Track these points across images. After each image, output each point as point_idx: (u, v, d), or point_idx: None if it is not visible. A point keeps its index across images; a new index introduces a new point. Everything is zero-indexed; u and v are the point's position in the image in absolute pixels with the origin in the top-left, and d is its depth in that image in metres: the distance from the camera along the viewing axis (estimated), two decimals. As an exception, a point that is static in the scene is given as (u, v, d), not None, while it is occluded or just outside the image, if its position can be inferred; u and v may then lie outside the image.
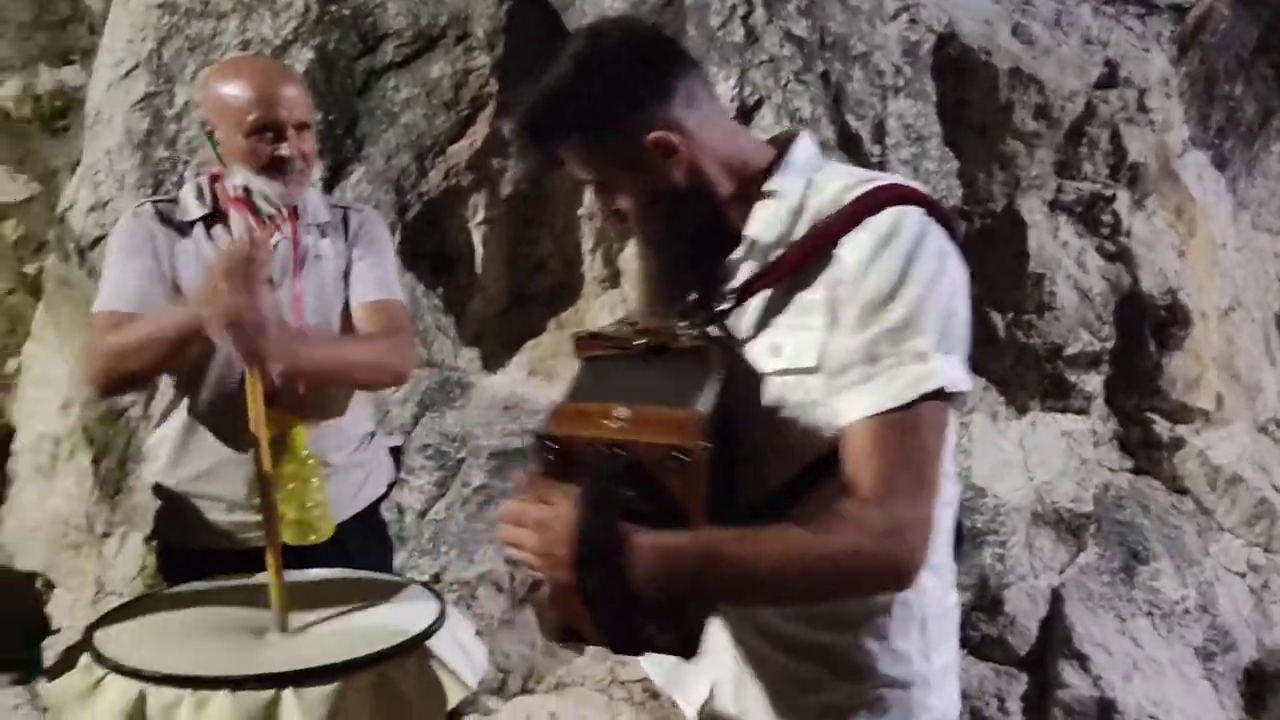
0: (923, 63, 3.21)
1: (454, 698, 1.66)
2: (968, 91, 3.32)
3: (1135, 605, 3.25)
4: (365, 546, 2.10)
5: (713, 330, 1.24)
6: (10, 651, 3.38)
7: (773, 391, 1.21)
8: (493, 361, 3.29)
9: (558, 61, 1.23)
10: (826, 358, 1.17)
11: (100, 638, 1.65)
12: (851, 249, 1.17)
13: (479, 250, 3.22)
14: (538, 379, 3.30)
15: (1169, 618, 3.25)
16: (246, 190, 1.84)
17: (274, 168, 1.91)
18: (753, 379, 1.22)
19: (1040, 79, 3.29)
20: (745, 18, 3.06)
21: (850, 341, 1.16)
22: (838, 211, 1.20)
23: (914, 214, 1.17)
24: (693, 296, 1.27)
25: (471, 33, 3.09)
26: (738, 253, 1.26)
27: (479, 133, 3.14)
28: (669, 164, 1.21)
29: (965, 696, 2.99)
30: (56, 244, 3.33)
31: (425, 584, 1.93)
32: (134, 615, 1.77)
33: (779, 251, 1.22)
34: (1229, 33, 3.64)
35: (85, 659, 1.62)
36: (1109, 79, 3.44)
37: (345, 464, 2.06)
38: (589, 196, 3.25)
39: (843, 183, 1.23)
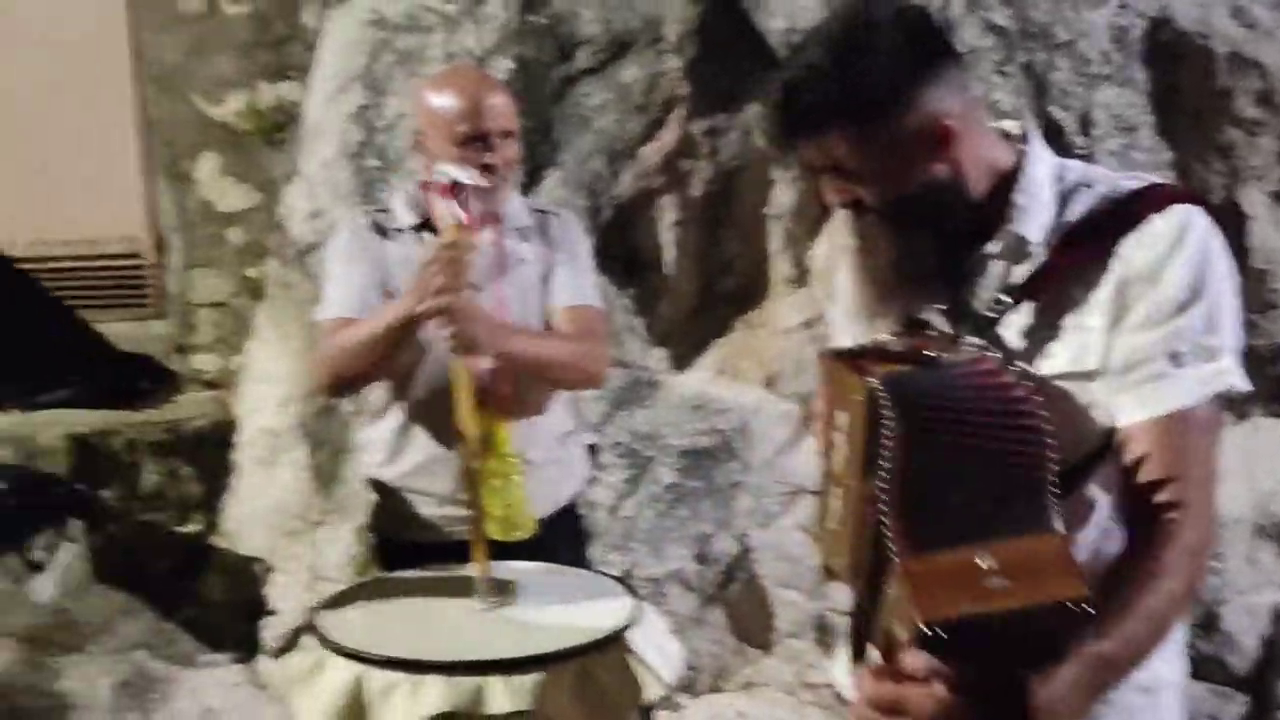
0: (1132, 49, 3.06)
1: (651, 693, 1.70)
2: (1181, 77, 3.15)
3: (1369, 626, 3.02)
4: (563, 542, 2.15)
5: (979, 340, 1.19)
6: (233, 630, 3.63)
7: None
8: (681, 361, 3.33)
9: (821, 41, 1.16)
10: (1109, 357, 1.15)
11: (322, 620, 1.76)
12: (1140, 248, 1.15)
13: (669, 251, 3.27)
14: (725, 378, 3.32)
15: None
16: (455, 183, 1.90)
17: (481, 175, 1.99)
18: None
19: (1262, 63, 3.09)
20: (943, 8, 2.99)
21: (1140, 339, 1.14)
22: (1112, 210, 1.17)
23: (1199, 214, 1.16)
24: (943, 301, 1.23)
25: (663, 36, 3.13)
26: (989, 248, 1.22)
27: (670, 135, 3.18)
28: (936, 155, 1.16)
29: (1177, 717, 2.85)
30: (277, 249, 3.56)
31: (623, 581, 1.98)
32: (353, 600, 1.87)
33: (1044, 253, 1.18)
34: None
35: (308, 640, 1.73)
36: (1338, 63, 3.19)
37: (544, 461, 2.11)
38: (777, 196, 3.25)
39: (1105, 182, 1.21)
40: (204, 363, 4.08)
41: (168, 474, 3.71)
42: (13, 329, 3.85)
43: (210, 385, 4.06)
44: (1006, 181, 1.21)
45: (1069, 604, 0.91)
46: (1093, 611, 0.92)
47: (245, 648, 3.55)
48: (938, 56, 1.17)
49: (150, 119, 3.98)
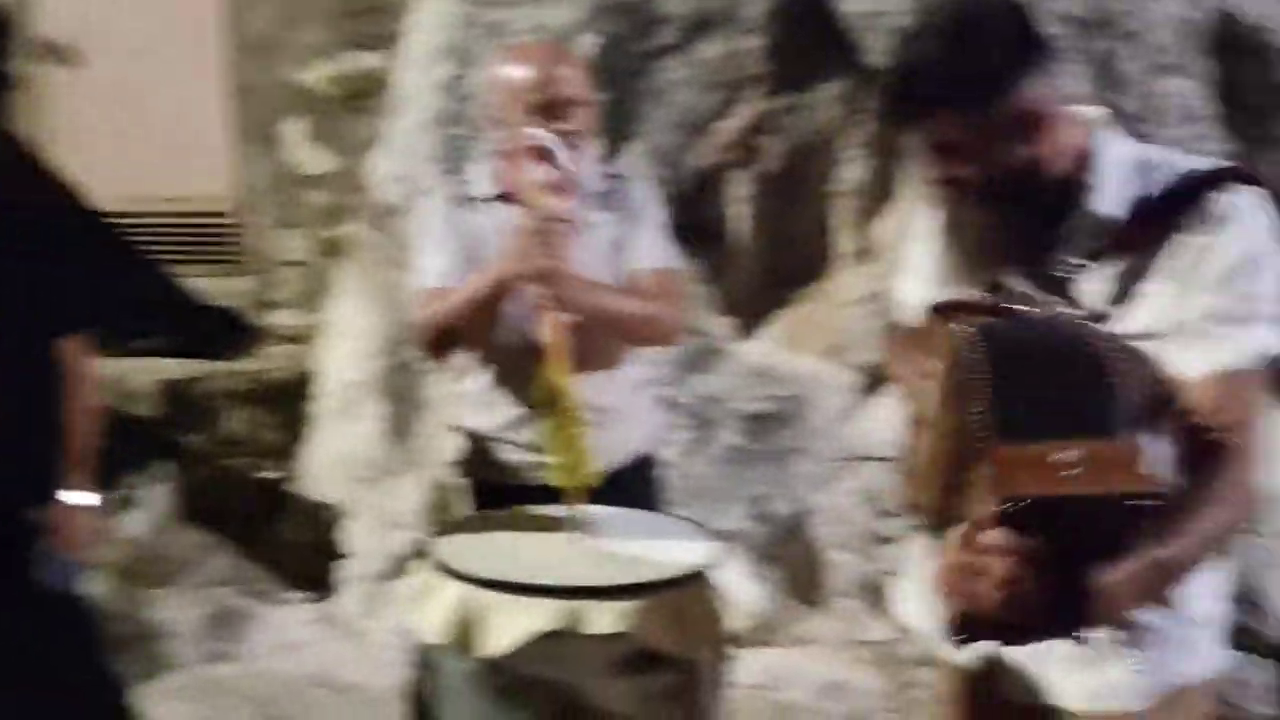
0: (1199, 41, 3.15)
1: (734, 624, 1.85)
2: (1243, 71, 3.23)
3: None
4: (640, 488, 2.29)
5: (1061, 301, 1.34)
6: (309, 571, 3.81)
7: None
8: (747, 330, 3.46)
9: (937, 31, 1.30)
10: (1176, 321, 1.28)
11: (435, 548, 1.91)
12: (1200, 224, 1.28)
13: (739, 224, 3.40)
14: (789, 348, 3.45)
15: None
16: (542, 146, 1.98)
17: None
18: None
19: (1327, 58, 3.17)
20: (1019, -3, 3.08)
21: (1201, 304, 1.27)
22: (1180, 188, 1.30)
23: (1257, 194, 1.29)
24: (1032, 267, 1.37)
25: (743, 16, 3.24)
26: (1070, 222, 1.35)
27: (746, 112, 3.30)
28: (1032, 139, 1.30)
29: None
30: (360, 212, 3.71)
31: (703, 526, 2.11)
32: (460, 531, 2.03)
33: (1120, 224, 1.32)
34: None
35: (422, 564, 1.89)
36: (1402, 57, 3.26)
37: (623, 410, 2.24)
38: (844, 174, 3.37)
39: (1176, 163, 1.34)
40: (284, 318, 4.24)
41: (250, 422, 3.89)
42: (105, 279, 4.03)
43: (290, 340, 4.22)
44: (1084, 161, 1.35)
45: (1136, 497, 1.06)
46: (1150, 504, 1.08)
47: (320, 587, 3.74)
48: (1038, 49, 1.31)
49: (240, 84, 4.14)
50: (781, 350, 3.44)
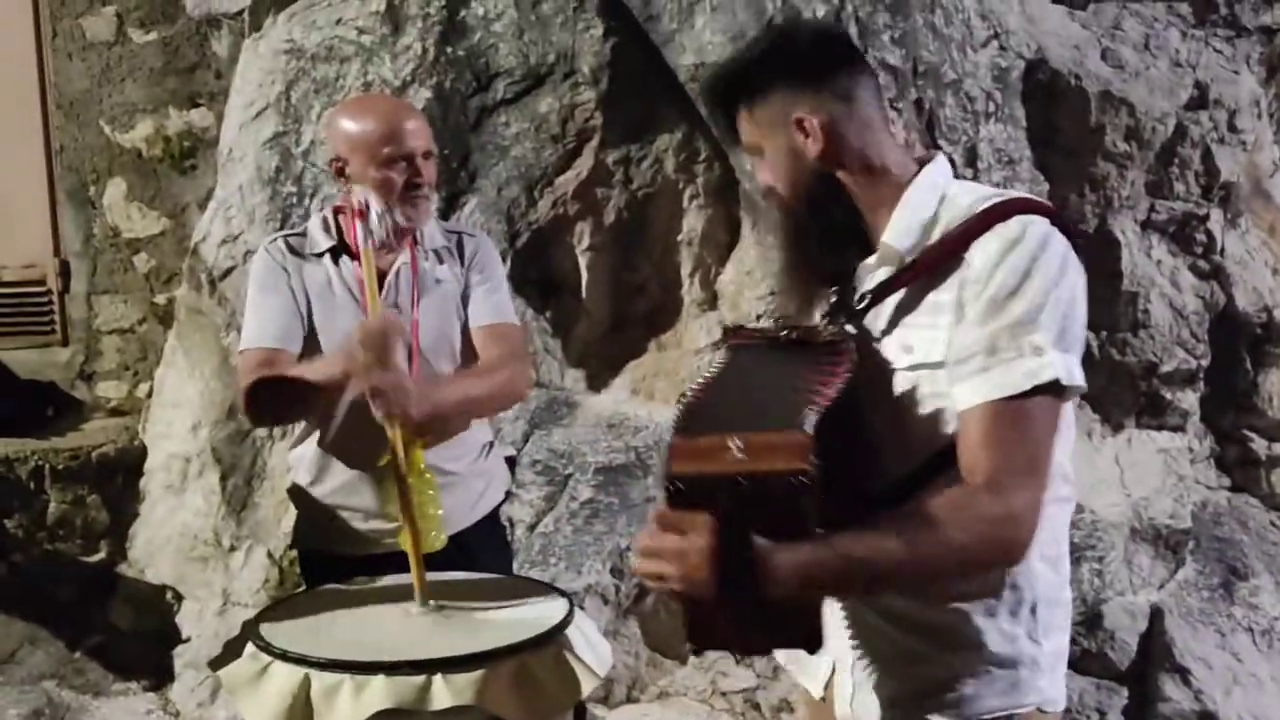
0: (1013, 88, 3.30)
1: (586, 687, 1.78)
2: (1058, 115, 3.39)
3: (1235, 621, 3.26)
4: (488, 550, 2.22)
5: (850, 328, 1.34)
6: (143, 659, 3.58)
7: (903, 386, 1.32)
8: (597, 382, 3.44)
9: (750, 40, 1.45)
10: (950, 350, 1.27)
11: (264, 629, 1.80)
12: (980, 253, 1.27)
13: (584, 276, 3.38)
14: (639, 398, 3.43)
15: (1269, 633, 3.25)
16: (366, 205, 1.96)
17: (408, 195, 2.06)
18: (883, 374, 1.32)
19: (1130, 101, 3.35)
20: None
21: (973, 334, 1.26)
22: (968, 220, 1.30)
23: (1039, 221, 1.28)
24: (832, 296, 1.38)
25: (578, 69, 3.25)
26: (873, 257, 1.37)
27: (584, 164, 3.30)
28: (806, 145, 1.34)
29: (1066, 710, 3.03)
30: (189, 275, 3.55)
31: (552, 585, 2.06)
32: (292, 609, 1.92)
33: (912, 257, 1.33)
34: (1319, 54, 3.67)
35: (251, 648, 1.77)
36: (1199, 100, 3.48)
37: (467, 473, 2.19)
38: (687, 223, 3.40)
39: (973, 197, 1.34)
40: (109, 390, 4.02)
41: (73, 502, 3.67)
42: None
43: (116, 412, 4.00)
44: (898, 193, 1.36)
45: (790, 476, 1.13)
46: (807, 483, 1.13)
47: (157, 675, 3.52)
48: (829, 65, 1.36)
49: (57, 145, 3.94)
50: (633, 400, 3.42)
